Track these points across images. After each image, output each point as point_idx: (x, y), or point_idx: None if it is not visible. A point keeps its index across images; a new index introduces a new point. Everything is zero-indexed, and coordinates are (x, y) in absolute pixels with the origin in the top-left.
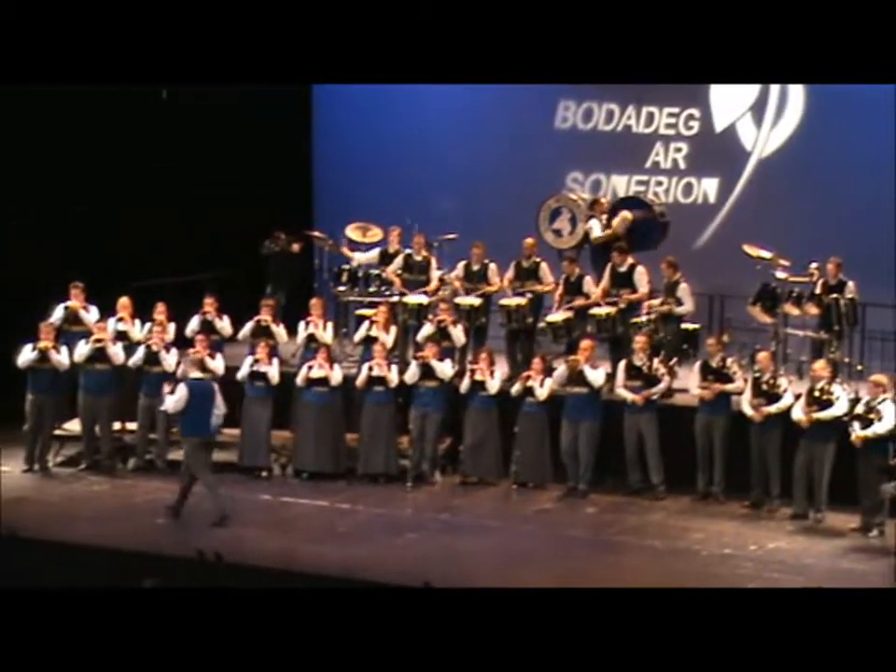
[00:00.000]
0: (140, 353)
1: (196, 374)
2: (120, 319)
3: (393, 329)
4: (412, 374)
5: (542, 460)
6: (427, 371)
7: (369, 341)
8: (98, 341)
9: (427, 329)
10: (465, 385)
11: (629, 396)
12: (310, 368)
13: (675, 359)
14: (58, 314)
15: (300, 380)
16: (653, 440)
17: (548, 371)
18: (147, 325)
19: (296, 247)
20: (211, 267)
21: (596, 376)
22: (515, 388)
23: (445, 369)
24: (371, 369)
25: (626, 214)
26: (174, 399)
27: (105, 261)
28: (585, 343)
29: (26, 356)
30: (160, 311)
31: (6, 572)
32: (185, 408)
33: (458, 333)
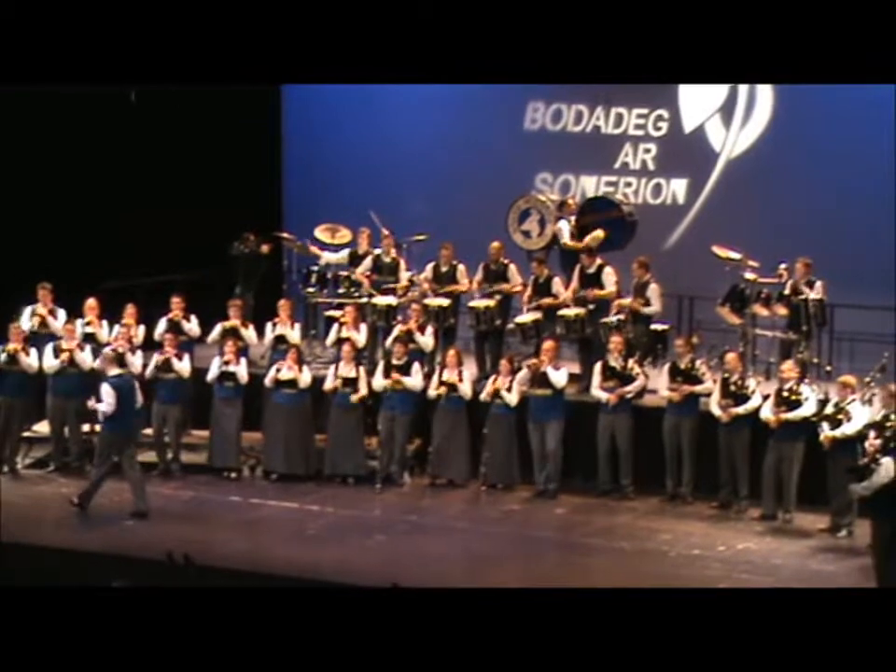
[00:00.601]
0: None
1: (115, 371)
2: (88, 323)
3: (363, 328)
4: (379, 384)
5: (511, 461)
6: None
7: (341, 342)
8: (66, 352)
9: (395, 334)
10: (433, 385)
11: (604, 396)
12: (278, 370)
13: (647, 360)
14: (25, 316)
15: (268, 381)
16: (626, 441)
17: (515, 373)
18: (116, 327)
19: (265, 248)
20: (180, 268)
21: (559, 377)
22: (484, 394)
23: (416, 383)
24: (338, 370)
25: (600, 233)
26: (105, 401)
27: (74, 262)
28: (548, 345)
29: None
30: (129, 313)
31: None
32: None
33: (426, 340)
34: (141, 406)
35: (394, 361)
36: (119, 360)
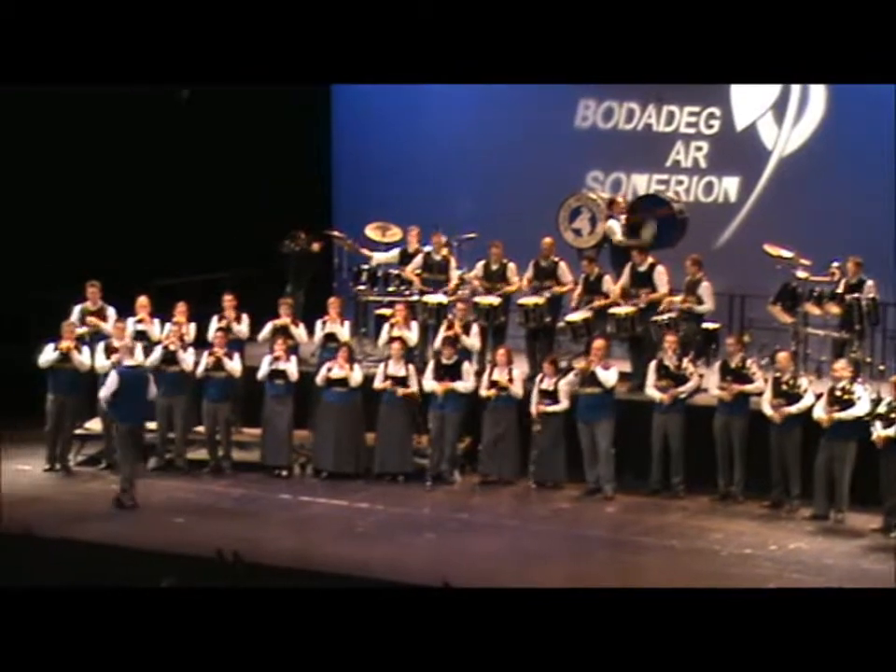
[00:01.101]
0: (157, 353)
1: (129, 362)
2: (140, 321)
3: (414, 326)
4: (430, 386)
5: (558, 459)
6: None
7: (393, 341)
8: (117, 352)
9: (442, 334)
10: (484, 383)
11: (657, 396)
12: (329, 368)
13: (699, 359)
14: (76, 313)
15: (319, 380)
16: (678, 440)
17: (563, 372)
18: (167, 325)
19: (315, 247)
20: (231, 266)
21: (609, 376)
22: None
23: (467, 386)
24: (387, 368)
25: (653, 229)
26: (105, 387)
27: (126, 261)
28: (598, 344)
29: (47, 356)
30: (180, 311)
31: (22, 571)
32: (118, 395)
33: (472, 341)
34: (81, 394)
35: (443, 361)
36: (132, 353)
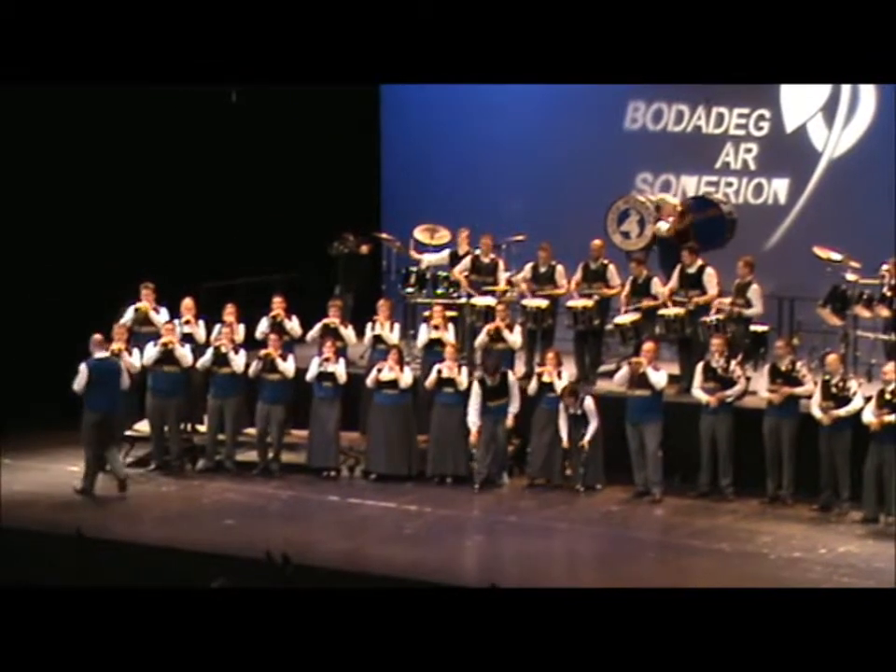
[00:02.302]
0: (209, 354)
1: (100, 354)
2: (187, 322)
3: (451, 327)
4: (475, 393)
5: (597, 462)
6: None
7: (432, 343)
8: (165, 344)
9: (483, 335)
10: (533, 386)
11: (704, 398)
12: (380, 370)
13: (748, 361)
14: (128, 315)
15: (370, 382)
16: (726, 442)
17: (560, 365)
18: (217, 326)
19: (364, 249)
20: (280, 268)
21: (659, 378)
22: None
23: (513, 391)
24: (440, 371)
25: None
26: (76, 380)
27: (175, 262)
28: (648, 346)
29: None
30: (229, 312)
31: (72, 571)
32: (90, 385)
33: (514, 337)
34: (131, 395)
35: (489, 384)
36: (101, 345)
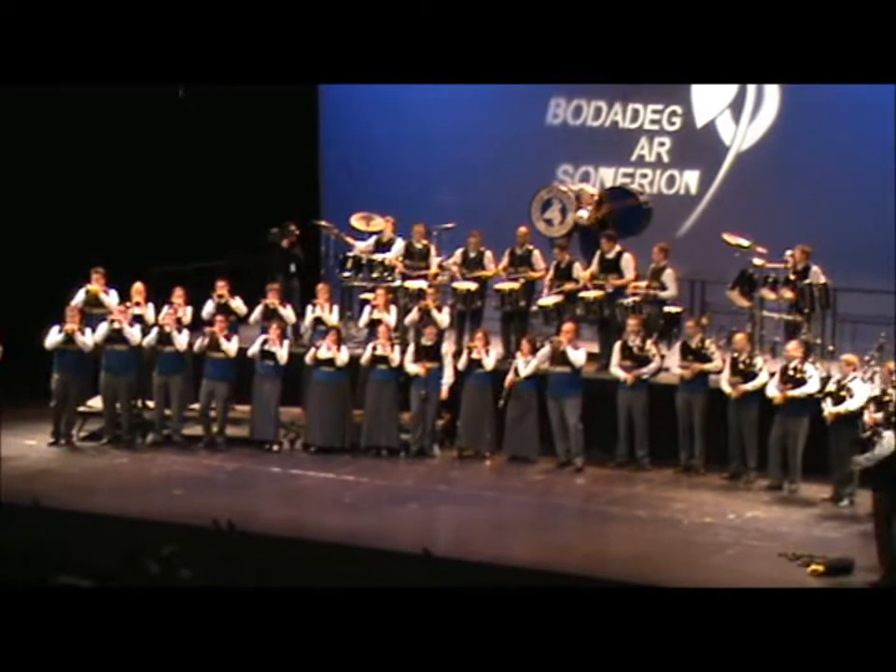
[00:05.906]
0: (153, 333)
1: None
2: (137, 304)
3: (393, 309)
4: (412, 369)
5: (530, 434)
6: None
7: (373, 323)
8: (113, 321)
9: (414, 313)
10: (463, 362)
11: (622, 375)
12: (317, 348)
13: (661, 340)
14: (79, 296)
15: (308, 359)
16: (642, 416)
17: (535, 352)
18: (165, 307)
19: (286, 243)
20: (225, 255)
21: (578, 356)
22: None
23: (446, 361)
24: (375, 348)
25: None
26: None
27: (128, 249)
28: (568, 326)
29: (53, 337)
30: (178, 294)
31: (30, 541)
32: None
33: (442, 317)
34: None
35: (424, 342)
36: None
